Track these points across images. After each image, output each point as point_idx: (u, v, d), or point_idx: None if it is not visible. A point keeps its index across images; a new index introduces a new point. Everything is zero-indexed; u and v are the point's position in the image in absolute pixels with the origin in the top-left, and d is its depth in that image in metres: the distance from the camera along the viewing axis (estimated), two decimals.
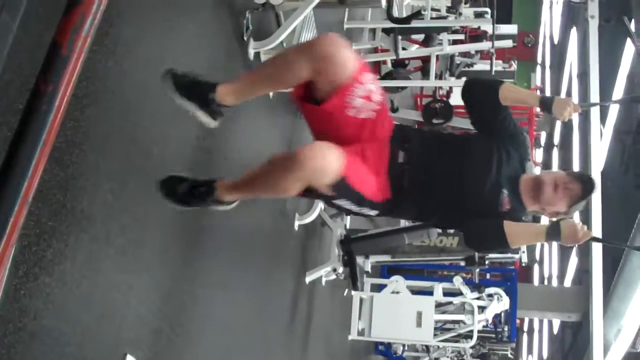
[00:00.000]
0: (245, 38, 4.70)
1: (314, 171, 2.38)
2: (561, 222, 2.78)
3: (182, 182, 2.72)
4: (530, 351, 25.01)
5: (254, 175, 2.69)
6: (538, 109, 3.07)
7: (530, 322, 23.62)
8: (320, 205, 6.30)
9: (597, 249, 6.43)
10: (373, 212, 2.75)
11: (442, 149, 2.81)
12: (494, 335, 12.70)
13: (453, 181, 2.74)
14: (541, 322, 21.39)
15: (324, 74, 2.47)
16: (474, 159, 2.80)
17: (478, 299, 9.15)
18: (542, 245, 21.10)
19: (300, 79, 2.54)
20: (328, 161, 2.36)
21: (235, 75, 4.48)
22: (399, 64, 9.48)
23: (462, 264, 9.10)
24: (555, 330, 18.27)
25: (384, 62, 9.78)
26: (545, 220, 3.15)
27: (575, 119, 15.01)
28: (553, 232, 2.78)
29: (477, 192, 2.77)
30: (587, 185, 2.89)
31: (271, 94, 5.28)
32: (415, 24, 7.49)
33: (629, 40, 9.65)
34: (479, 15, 12.01)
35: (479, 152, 2.83)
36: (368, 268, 8.99)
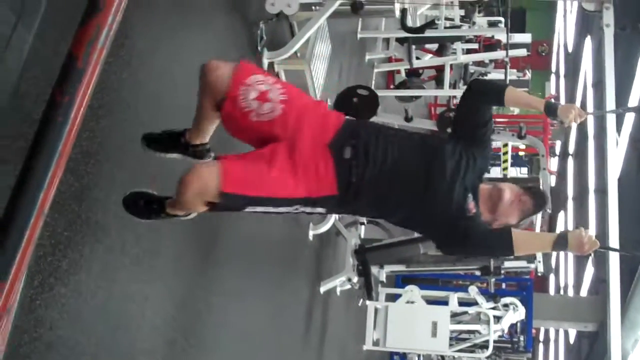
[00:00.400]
0: (259, 48, 4.71)
1: (196, 194, 2.47)
2: (569, 233, 2.77)
3: (141, 197, 2.75)
4: None
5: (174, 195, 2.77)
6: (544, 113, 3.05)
7: (546, 332, 23.45)
8: (335, 215, 6.29)
9: (614, 259, 6.38)
10: (316, 210, 2.72)
11: (406, 147, 2.77)
12: (509, 345, 12.61)
13: (419, 180, 2.71)
14: (557, 332, 21.23)
15: (209, 92, 2.60)
16: (444, 160, 2.78)
17: (494, 308, 9.09)
18: (558, 255, 20.98)
19: (211, 112, 2.68)
20: (203, 183, 2.45)
21: None
22: (413, 73, 9.47)
23: (478, 273, 9.05)
24: (572, 340, 18.12)
25: (398, 72, 9.78)
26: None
27: (591, 127, 14.94)
28: (560, 242, 2.76)
29: (446, 193, 2.74)
30: (539, 200, 2.90)
31: None
32: (429, 33, 7.49)
33: None
34: (492, 24, 11.99)
35: (449, 154, 2.80)
36: (383, 278, 8.96)
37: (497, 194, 2.82)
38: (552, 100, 16.06)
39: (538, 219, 8.24)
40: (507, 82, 9.24)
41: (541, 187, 6.90)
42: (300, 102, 2.67)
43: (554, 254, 19.38)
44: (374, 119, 6.52)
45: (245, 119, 2.56)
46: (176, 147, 2.86)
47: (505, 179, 8.49)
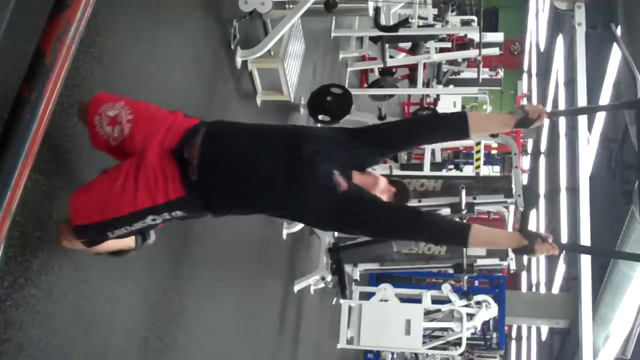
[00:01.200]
0: (232, 47, 4.69)
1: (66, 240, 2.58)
2: (535, 244, 2.74)
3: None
4: (519, 358, 25.02)
5: None
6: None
7: (519, 328, 23.64)
8: None
9: (585, 256, 6.44)
10: (176, 214, 2.72)
11: (261, 140, 2.77)
12: (482, 343, 12.71)
13: (277, 173, 2.69)
14: (529, 329, 21.41)
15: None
16: (303, 150, 2.75)
17: (466, 306, 9.15)
18: None
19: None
20: (62, 236, 2.56)
21: (220, 88, 4.47)
22: (387, 72, 9.49)
23: (451, 271, 9.09)
24: (544, 337, 18.29)
25: (372, 70, 9.80)
26: None
27: (562, 126, 15.07)
28: (525, 249, 2.75)
29: (307, 179, 2.71)
30: (401, 192, 2.88)
31: (259, 101, 5.27)
32: (402, 32, 7.52)
33: (615, 47, 9.70)
34: (465, 23, 12.07)
35: (310, 144, 2.78)
36: (357, 276, 8.96)
37: (373, 181, 2.81)
38: (524, 100, 16.08)
39: (510, 216, 8.29)
40: (480, 80, 9.31)
41: (513, 185, 6.95)
42: (147, 117, 2.70)
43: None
44: (347, 118, 6.53)
45: (108, 144, 2.64)
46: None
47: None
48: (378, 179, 2.82)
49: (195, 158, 2.61)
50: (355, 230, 2.89)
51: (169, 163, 2.60)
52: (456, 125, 2.87)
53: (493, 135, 7.23)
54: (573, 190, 6.85)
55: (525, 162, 18.62)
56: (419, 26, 9.22)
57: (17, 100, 0.99)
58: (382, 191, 2.82)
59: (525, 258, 20.34)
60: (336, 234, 7.30)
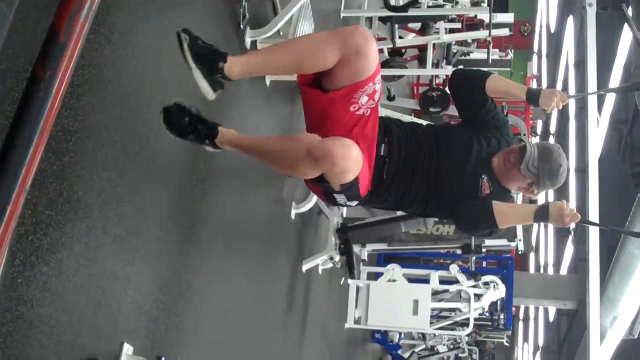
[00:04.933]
0: (241, 27, 4.68)
1: (341, 171, 2.46)
2: (550, 204, 2.79)
3: (187, 114, 2.68)
4: (526, 339, 25.09)
5: (271, 146, 2.69)
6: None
7: (526, 309, 23.69)
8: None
9: (593, 237, 6.43)
10: (354, 203, 2.76)
11: (419, 141, 2.82)
12: (490, 323, 12.75)
13: (430, 171, 2.76)
14: (537, 309, 21.45)
15: (350, 66, 2.52)
16: (451, 148, 2.82)
17: (474, 286, 9.18)
18: (539, 233, 21.13)
19: (325, 67, 2.56)
20: (356, 165, 2.46)
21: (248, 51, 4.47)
22: (396, 52, 9.47)
23: (459, 252, 9.11)
24: (551, 318, 18.32)
25: (381, 51, 9.77)
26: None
27: (572, 107, 15.00)
28: (541, 212, 2.78)
29: (454, 179, 2.79)
30: (521, 147, 2.90)
31: (268, 81, 5.27)
32: (412, 12, 7.49)
33: (626, 28, 9.64)
34: (475, 3, 11.97)
35: (456, 141, 2.85)
36: (364, 256, 9.00)
37: (494, 165, 2.87)
38: (534, 86, 16.16)
39: (520, 198, 8.28)
40: (490, 61, 9.28)
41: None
42: (378, 106, 2.69)
43: (534, 231, 19.54)
44: None
45: (345, 106, 2.56)
46: (206, 62, 2.67)
47: None
48: (491, 164, 2.87)
49: (389, 156, 2.64)
50: (450, 212, 2.95)
51: (371, 152, 2.62)
52: (478, 76, 2.94)
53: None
54: (582, 172, 6.83)
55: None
56: (428, 6, 9.16)
57: (32, 78, 1.00)
58: (502, 165, 2.86)
59: (534, 235, 20.33)
60: (345, 214, 7.32)
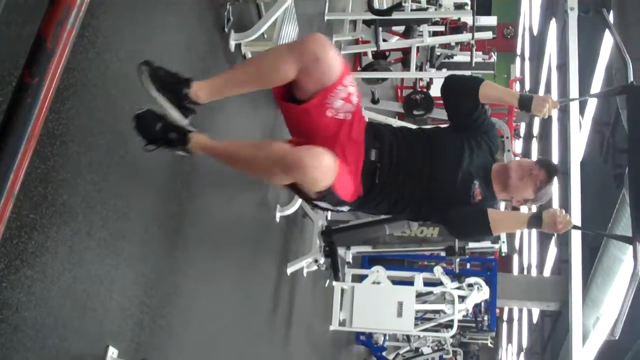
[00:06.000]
0: (226, 30, 4.69)
1: (313, 180, 2.48)
2: (543, 211, 2.83)
3: (159, 120, 2.66)
4: (510, 340, 25.19)
5: (242, 152, 2.69)
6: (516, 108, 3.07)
7: (510, 311, 23.79)
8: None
9: (576, 239, 6.49)
10: (345, 209, 2.77)
11: (411, 145, 2.83)
12: (474, 325, 12.80)
13: (422, 176, 2.77)
14: (521, 311, 21.55)
15: (312, 75, 2.52)
16: (444, 153, 2.84)
17: (458, 288, 9.21)
18: (522, 235, 21.24)
19: (285, 80, 2.57)
20: (327, 173, 2.47)
21: (213, 72, 4.48)
22: (380, 55, 9.50)
23: (443, 254, 9.15)
24: (535, 319, 18.41)
25: (365, 54, 9.79)
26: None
27: (555, 110, 15.10)
28: (535, 220, 2.81)
29: (448, 185, 2.80)
30: (550, 170, 2.93)
31: None
32: (396, 15, 7.52)
33: (607, 32, 9.72)
34: (459, 7, 12.07)
35: (449, 146, 2.86)
36: (349, 259, 9.02)
37: (505, 173, 2.87)
38: (518, 89, 16.14)
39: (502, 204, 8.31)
40: (473, 64, 9.32)
41: None
42: (360, 109, 2.69)
43: (518, 234, 19.64)
44: None
45: (322, 113, 2.57)
46: (171, 91, 2.68)
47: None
48: (509, 171, 2.87)
49: (380, 162, 2.64)
50: (443, 218, 2.94)
51: (359, 157, 2.61)
52: (471, 83, 2.95)
53: None
54: (565, 174, 6.88)
55: (518, 145, 18.68)
56: (412, 10, 9.22)
57: (19, 85, 1.01)
58: (520, 178, 2.84)
59: (518, 237, 20.44)
60: (329, 217, 7.33)
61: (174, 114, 2.65)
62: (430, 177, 2.78)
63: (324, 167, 2.44)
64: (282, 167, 2.45)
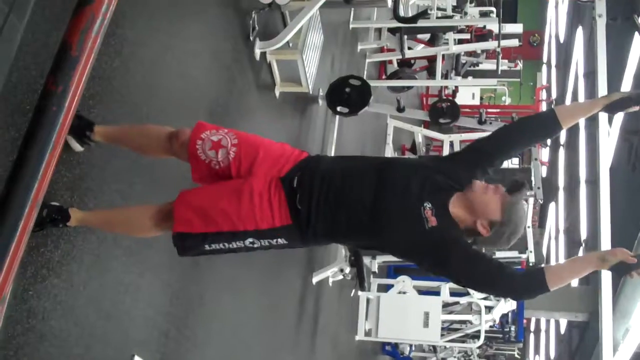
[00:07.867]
0: (251, 38, 4.69)
1: (143, 235, 2.85)
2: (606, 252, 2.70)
3: (45, 208, 2.68)
4: (537, 351, 24.95)
5: (111, 218, 2.80)
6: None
7: (537, 322, 23.56)
8: None
9: (605, 248, 6.40)
10: (277, 241, 2.70)
11: (356, 172, 2.75)
12: (501, 336, 12.67)
13: (364, 203, 2.67)
14: (548, 322, 21.33)
15: (176, 153, 2.77)
16: (393, 177, 2.74)
17: (485, 298, 9.13)
18: (549, 244, 21.06)
19: (156, 155, 2.89)
20: (143, 229, 2.73)
21: (239, 80, 4.49)
22: (405, 63, 9.47)
23: None
24: (562, 330, 18.21)
25: (390, 62, 9.77)
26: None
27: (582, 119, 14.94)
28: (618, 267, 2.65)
29: (395, 210, 2.67)
30: (516, 184, 2.78)
31: (277, 92, 5.28)
32: (421, 23, 7.48)
33: (636, 38, 9.61)
34: (484, 14, 11.99)
35: (400, 173, 2.76)
36: (375, 268, 8.98)
37: (467, 191, 2.73)
38: (544, 97, 15.80)
39: (530, 210, 8.25)
40: (499, 71, 9.26)
41: (533, 177, 6.91)
42: (252, 143, 2.75)
43: (545, 242, 19.46)
44: (365, 109, 6.53)
45: (208, 169, 2.69)
46: (74, 131, 2.72)
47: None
48: (472, 186, 2.74)
49: (300, 187, 2.64)
50: (436, 269, 2.79)
51: (275, 191, 2.62)
52: (546, 119, 2.88)
53: None
54: (593, 183, 6.80)
55: (545, 154, 18.51)
56: (437, 17, 9.17)
57: (44, 92, 1.00)
58: (483, 189, 2.73)
59: (545, 246, 20.27)
60: None
61: (72, 143, 2.76)
62: (374, 203, 2.67)
63: (142, 226, 2.72)
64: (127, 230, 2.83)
